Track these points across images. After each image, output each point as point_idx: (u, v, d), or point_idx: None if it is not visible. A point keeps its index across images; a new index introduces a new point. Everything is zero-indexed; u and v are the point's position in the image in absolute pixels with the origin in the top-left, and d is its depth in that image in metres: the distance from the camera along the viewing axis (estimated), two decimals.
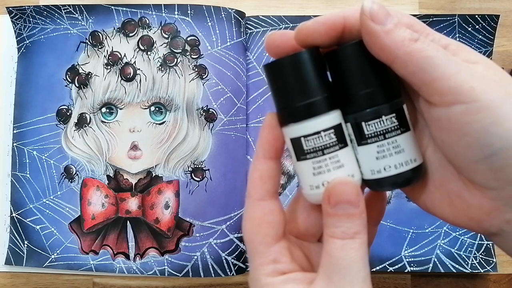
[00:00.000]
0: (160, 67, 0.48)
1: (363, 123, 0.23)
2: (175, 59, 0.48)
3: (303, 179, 0.24)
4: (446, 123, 0.21)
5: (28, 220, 0.47)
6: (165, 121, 0.47)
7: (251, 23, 0.49)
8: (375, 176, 0.23)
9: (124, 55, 0.48)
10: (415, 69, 0.21)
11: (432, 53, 0.20)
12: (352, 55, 0.23)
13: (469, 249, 0.46)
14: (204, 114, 0.47)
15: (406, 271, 0.46)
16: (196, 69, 0.48)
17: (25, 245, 0.47)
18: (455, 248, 0.46)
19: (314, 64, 0.23)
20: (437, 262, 0.46)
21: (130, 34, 0.48)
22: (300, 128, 0.23)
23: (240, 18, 0.48)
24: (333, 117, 0.23)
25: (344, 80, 0.23)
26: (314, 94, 0.23)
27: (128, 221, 0.47)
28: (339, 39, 0.23)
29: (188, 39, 0.48)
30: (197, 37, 0.48)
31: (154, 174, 0.47)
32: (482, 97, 0.20)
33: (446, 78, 0.20)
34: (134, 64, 0.48)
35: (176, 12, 0.48)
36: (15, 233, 0.47)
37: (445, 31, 0.48)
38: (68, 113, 0.48)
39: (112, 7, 0.48)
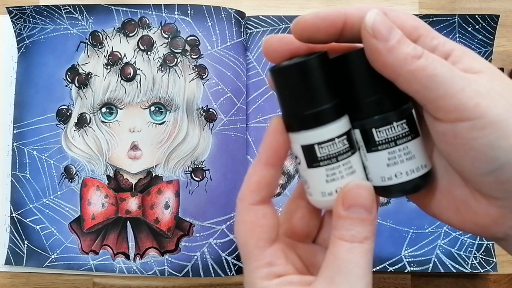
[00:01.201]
0: (160, 67, 0.48)
1: (373, 130, 0.22)
2: (175, 59, 0.48)
3: (314, 186, 0.23)
4: (451, 138, 0.21)
5: (28, 220, 0.47)
6: (165, 121, 0.47)
7: (251, 23, 0.49)
8: (385, 183, 0.23)
9: (124, 55, 0.48)
10: (419, 87, 0.20)
11: (435, 71, 0.20)
12: (360, 61, 0.22)
13: (469, 249, 0.46)
14: (204, 114, 0.47)
15: (406, 271, 0.46)
16: (196, 69, 0.48)
17: (25, 245, 0.47)
18: (455, 248, 0.46)
19: (325, 69, 0.22)
20: (437, 262, 0.46)
21: (130, 34, 0.48)
22: (313, 135, 0.22)
23: (240, 18, 0.48)
24: (344, 123, 0.22)
25: (352, 86, 0.23)
26: (327, 100, 0.22)
27: (128, 221, 0.47)
28: (338, 36, 0.22)
29: (188, 39, 0.48)
30: (197, 37, 0.48)
31: (154, 174, 0.47)
32: (487, 113, 0.20)
33: (450, 96, 0.20)
34: (134, 64, 0.48)
35: (176, 12, 0.48)
36: (15, 233, 0.47)
37: (445, 31, 0.48)
38: (68, 113, 0.48)
39: (112, 7, 0.48)
